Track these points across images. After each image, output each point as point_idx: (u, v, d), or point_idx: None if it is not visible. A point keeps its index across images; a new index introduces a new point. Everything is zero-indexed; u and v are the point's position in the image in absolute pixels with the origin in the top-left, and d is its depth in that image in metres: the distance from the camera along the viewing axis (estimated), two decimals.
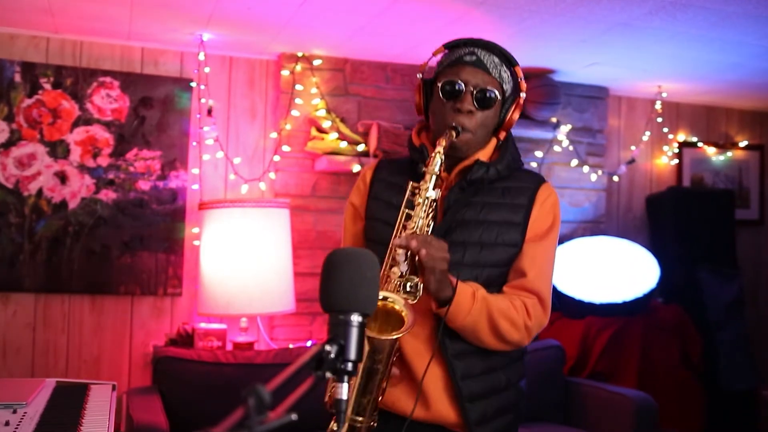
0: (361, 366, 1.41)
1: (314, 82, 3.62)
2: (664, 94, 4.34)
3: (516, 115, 1.65)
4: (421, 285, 1.47)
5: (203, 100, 3.51)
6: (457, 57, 1.61)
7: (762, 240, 4.82)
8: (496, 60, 1.61)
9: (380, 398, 1.48)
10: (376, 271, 1.07)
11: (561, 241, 3.95)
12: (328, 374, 0.94)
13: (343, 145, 3.52)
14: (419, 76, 1.67)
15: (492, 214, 1.60)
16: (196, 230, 3.48)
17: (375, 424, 1.49)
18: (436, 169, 1.53)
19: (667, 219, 4.25)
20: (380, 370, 1.43)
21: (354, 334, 0.99)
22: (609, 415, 3.32)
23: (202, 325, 3.33)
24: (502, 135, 1.66)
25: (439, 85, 1.61)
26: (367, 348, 1.39)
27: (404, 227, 1.53)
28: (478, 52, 1.60)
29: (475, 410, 1.56)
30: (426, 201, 1.52)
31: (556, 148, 4.11)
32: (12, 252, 3.26)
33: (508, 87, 1.63)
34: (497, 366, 1.62)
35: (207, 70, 3.52)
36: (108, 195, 3.39)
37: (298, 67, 3.59)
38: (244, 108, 3.64)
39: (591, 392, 3.45)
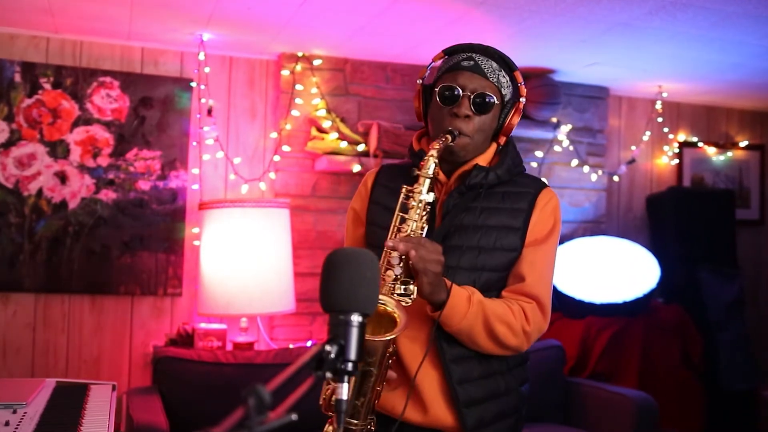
0: None
1: (314, 82, 3.62)
2: (665, 94, 4.34)
3: (516, 120, 1.64)
4: (415, 288, 1.46)
5: (203, 100, 3.51)
6: (455, 62, 1.62)
7: (762, 240, 4.82)
8: (495, 65, 1.61)
9: (375, 401, 1.47)
10: (376, 271, 1.07)
11: (561, 242, 3.96)
12: (329, 374, 0.94)
13: (344, 145, 3.52)
14: (419, 82, 1.68)
15: (491, 218, 1.60)
16: (196, 230, 3.48)
17: (373, 428, 1.49)
18: (430, 172, 1.52)
19: (668, 219, 4.25)
20: (374, 373, 1.43)
21: (354, 334, 0.99)
22: (609, 415, 3.32)
23: (202, 325, 3.33)
24: (502, 140, 1.66)
25: (437, 90, 1.61)
26: None
27: (399, 230, 1.53)
28: (476, 57, 1.61)
29: (471, 415, 1.56)
30: (420, 204, 1.51)
31: (557, 148, 4.11)
32: (12, 252, 3.26)
33: (507, 92, 1.63)
34: (496, 371, 1.61)
35: (207, 70, 3.52)
36: (108, 195, 3.39)
37: (298, 67, 3.59)
38: (244, 108, 3.64)
39: (591, 392, 3.45)
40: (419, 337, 1.58)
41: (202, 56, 3.46)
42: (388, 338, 1.40)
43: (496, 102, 1.60)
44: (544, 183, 1.69)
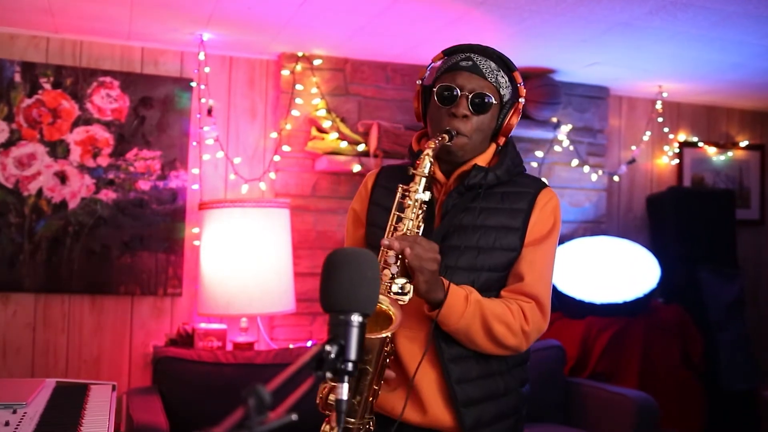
0: None
1: (314, 82, 3.61)
2: (665, 94, 4.34)
3: (515, 120, 1.65)
4: (412, 286, 1.46)
5: (203, 100, 3.51)
6: (454, 63, 1.62)
7: (762, 240, 4.81)
8: (493, 65, 1.61)
9: (372, 399, 1.47)
10: (376, 271, 1.07)
11: (561, 242, 3.96)
12: (329, 374, 0.94)
13: (344, 145, 3.52)
14: (418, 82, 1.68)
15: (490, 219, 1.60)
16: (196, 230, 3.48)
17: (372, 428, 1.49)
18: (426, 170, 1.52)
19: (668, 219, 4.25)
20: (370, 371, 1.42)
21: (354, 334, 0.99)
22: (609, 415, 3.32)
23: (202, 325, 3.33)
24: (501, 140, 1.66)
25: (435, 90, 1.61)
26: None
27: (395, 229, 1.53)
28: (474, 58, 1.61)
29: (470, 415, 1.55)
30: (416, 203, 1.51)
31: (557, 148, 4.11)
32: (12, 252, 3.26)
33: (506, 92, 1.63)
34: (495, 371, 1.61)
35: (207, 70, 3.52)
36: (108, 195, 3.39)
37: (299, 67, 3.59)
38: (244, 108, 3.64)
39: (591, 392, 3.45)
40: (418, 338, 1.58)
41: (202, 56, 3.46)
42: (384, 335, 1.40)
43: (495, 102, 1.60)
44: (543, 183, 1.69)
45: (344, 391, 0.96)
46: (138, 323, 3.45)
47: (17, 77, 3.28)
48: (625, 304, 3.73)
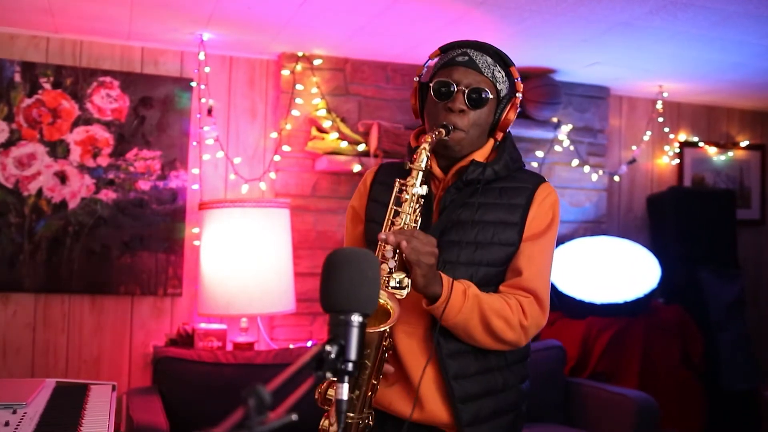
0: None
1: (314, 82, 3.61)
2: (665, 94, 4.34)
3: (512, 115, 1.65)
4: (409, 281, 1.46)
5: (203, 100, 3.51)
6: (450, 58, 1.63)
7: (763, 240, 4.81)
8: (489, 60, 1.61)
9: (371, 394, 1.47)
10: (376, 270, 1.07)
11: (562, 241, 3.98)
12: (329, 375, 0.93)
13: (344, 145, 3.52)
14: (416, 79, 1.69)
15: (488, 214, 1.60)
16: (196, 230, 3.48)
17: (371, 423, 1.49)
18: (422, 164, 1.53)
19: (668, 219, 4.25)
20: (368, 365, 1.42)
21: (354, 334, 0.99)
22: (610, 415, 3.32)
23: (202, 325, 3.33)
24: (499, 135, 1.66)
25: (432, 85, 1.62)
26: None
27: (392, 223, 1.53)
28: (470, 53, 1.61)
29: (467, 411, 1.55)
30: (413, 197, 1.52)
31: (557, 148, 4.11)
32: (12, 252, 3.26)
33: (502, 87, 1.63)
34: (494, 367, 1.61)
35: (207, 69, 3.52)
36: (108, 195, 3.38)
37: (299, 67, 3.59)
38: (244, 108, 3.64)
39: (592, 392, 3.45)
40: (416, 333, 1.58)
41: (202, 56, 3.45)
42: (382, 329, 1.40)
43: (491, 97, 1.60)
44: (542, 178, 1.68)
45: (344, 391, 0.95)
46: (138, 323, 3.44)
47: (17, 77, 3.28)
48: (626, 304, 3.73)
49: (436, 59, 1.69)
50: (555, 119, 3.98)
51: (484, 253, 1.58)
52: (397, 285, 1.45)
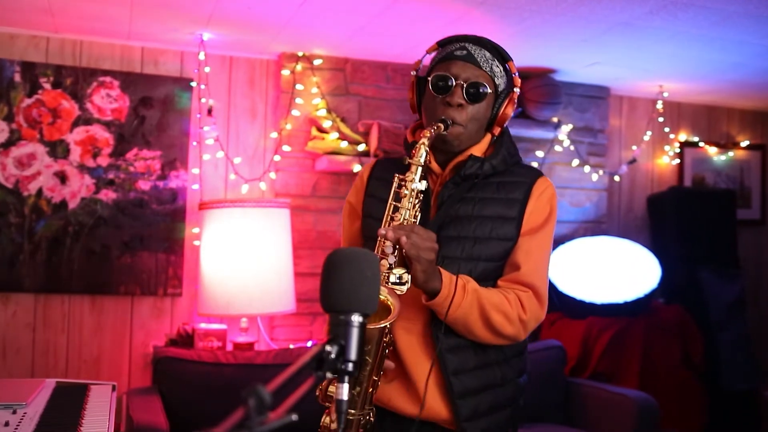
0: None
1: (315, 82, 3.61)
2: (666, 94, 4.33)
3: (510, 110, 1.64)
4: (409, 276, 1.46)
5: (203, 100, 3.51)
6: (448, 52, 1.62)
7: (764, 240, 4.81)
8: (488, 54, 1.61)
9: (372, 390, 1.47)
10: (376, 270, 1.07)
11: (562, 241, 3.98)
12: (329, 375, 0.93)
13: (344, 144, 3.52)
14: (413, 73, 1.68)
15: (486, 209, 1.60)
16: (196, 230, 3.48)
17: (372, 419, 1.49)
18: (421, 159, 1.52)
19: (669, 219, 4.25)
20: (369, 362, 1.42)
21: (354, 334, 0.99)
22: (610, 415, 3.32)
23: (203, 325, 3.33)
24: (497, 130, 1.65)
25: (430, 79, 1.61)
26: None
27: (392, 219, 1.53)
28: (468, 47, 1.61)
29: (465, 406, 1.55)
30: (412, 192, 1.51)
31: (557, 148, 4.11)
32: (12, 252, 3.25)
33: (500, 81, 1.63)
34: (492, 361, 1.61)
35: (207, 69, 3.51)
36: (108, 195, 3.38)
37: (299, 67, 3.59)
38: (244, 108, 3.64)
39: (592, 392, 3.45)
40: (414, 329, 1.58)
41: (202, 56, 3.45)
42: (383, 325, 1.40)
43: (490, 91, 1.60)
44: (539, 172, 1.68)
45: (344, 391, 0.95)
46: (138, 323, 3.44)
47: (17, 77, 3.28)
48: (626, 304, 3.73)
49: (433, 53, 1.68)
50: (555, 119, 3.98)
51: (482, 248, 1.58)
52: (397, 281, 1.45)
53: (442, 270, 1.50)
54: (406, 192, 1.51)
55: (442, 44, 1.67)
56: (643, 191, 4.50)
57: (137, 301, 3.44)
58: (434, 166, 1.64)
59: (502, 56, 1.64)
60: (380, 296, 1.41)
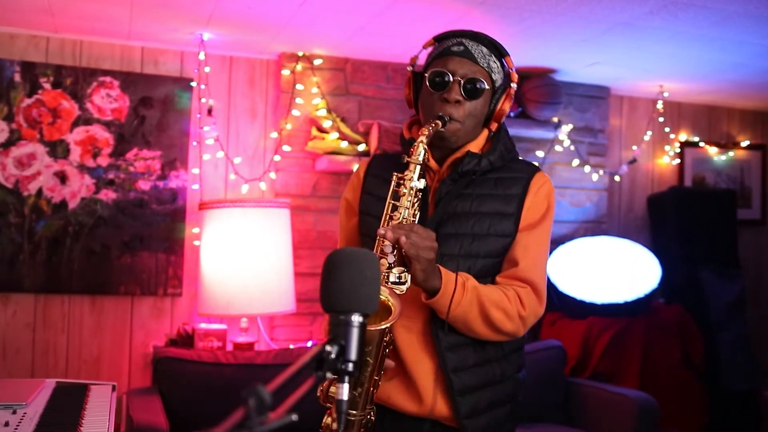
0: None
1: (315, 82, 3.61)
2: (666, 94, 4.33)
3: (507, 106, 1.64)
4: (409, 276, 1.46)
5: (203, 100, 3.51)
6: (445, 48, 1.62)
7: (764, 240, 4.81)
8: (485, 50, 1.61)
9: (373, 390, 1.47)
10: (376, 270, 1.07)
11: (562, 241, 3.98)
12: (329, 375, 0.93)
13: (344, 144, 3.52)
14: (409, 69, 1.67)
15: (484, 205, 1.60)
16: (196, 230, 3.48)
17: (373, 418, 1.49)
18: (420, 158, 1.52)
19: (669, 219, 4.24)
20: (370, 363, 1.42)
21: (355, 334, 0.99)
22: (610, 415, 3.32)
23: (203, 325, 3.32)
24: (494, 126, 1.65)
25: (427, 76, 1.61)
26: None
27: (390, 218, 1.52)
28: (465, 43, 1.60)
29: (466, 403, 1.56)
30: (411, 191, 1.51)
31: (558, 148, 4.10)
32: (12, 252, 3.25)
33: (497, 77, 1.63)
34: (492, 357, 1.61)
35: (207, 69, 3.51)
36: (108, 195, 3.38)
37: (299, 67, 3.59)
38: (244, 108, 3.63)
39: (592, 392, 3.45)
40: (414, 327, 1.58)
41: (202, 56, 3.45)
42: (384, 327, 1.40)
43: (487, 87, 1.60)
44: (536, 167, 1.68)
45: (344, 391, 0.95)
46: (138, 323, 3.44)
47: (17, 77, 3.28)
48: (626, 304, 3.73)
49: (430, 48, 1.68)
50: (555, 119, 3.98)
51: (480, 245, 1.58)
52: (397, 280, 1.45)
53: (441, 268, 1.50)
54: (405, 191, 1.51)
55: (439, 39, 1.66)
56: (644, 191, 4.49)
57: (137, 301, 3.44)
58: (431, 162, 1.64)
59: (499, 51, 1.63)
60: (381, 297, 1.41)
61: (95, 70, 3.38)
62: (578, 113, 4.14)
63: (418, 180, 1.51)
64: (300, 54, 3.59)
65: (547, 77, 3.82)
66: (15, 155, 3.28)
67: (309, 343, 3.51)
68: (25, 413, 1.72)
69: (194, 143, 3.52)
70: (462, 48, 1.59)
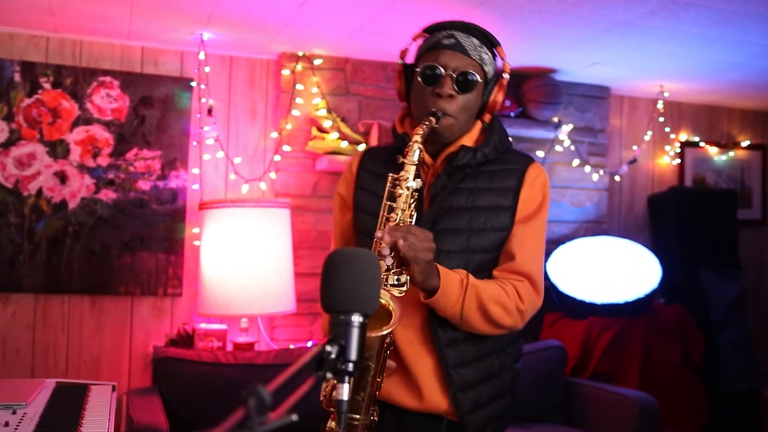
0: None
1: (315, 82, 3.61)
2: (666, 94, 4.33)
3: (500, 97, 1.63)
4: (407, 277, 1.45)
5: (203, 100, 3.50)
6: (436, 41, 1.60)
7: (764, 240, 4.81)
8: (476, 42, 1.59)
9: (376, 393, 1.47)
10: (376, 270, 1.06)
11: (562, 241, 3.98)
12: (329, 375, 0.93)
13: (344, 144, 3.52)
14: (400, 61, 1.66)
15: (480, 199, 1.58)
16: (196, 230, 3.47)
17: (376, 419, 1.49)
18: (415, 158, 1.50)
19: (669, 219, 4.24)
20: (372, 367, 1.42)
21: (355, 334, 0.98)
22: (610, 415, 3.31)
23: (203, 325, 3.32)
24: (487, 118, 1.64)
25: (419, 70, 1.59)
26: None
27: (387, 220, 1.51)
28: (456, 35, 1.59)
29: (467, 399, 1.56)
30: (407, 192, 1.49)
31: (558, 148, 4.10)
32: (12, 252, 3.25)
33: (489, 69, 1.61)
34: (490, 351, 1.61)
35: (207, 69, 3.51)
36: (108, 195, 3.38)
37: (299, 67, 3.59)
38: (244, 108, 3.63)
39: (592, 393, 3.45)
40: (412, 324, 1.58)
41: (202, 56, 3.45)
42: (385, 333, 1.39)
43: (479, 80, 1.58)
44: (531, 158, 1.67)
45: (344, 392, 0.95)
46: (138, 323, 3.44)
47: (17, 77, 3.28)
48: (626, 304, 3.73)
49: (420, 40, 1.66)
50: (555, 119, 3.98)
51: (477, 240, 1.57)
52: (396, 282, 1.45)
53: (439, 267, 1.49)
54: (401, 191, 1.49)
55: (429, 31, 1.64)
56: (644, 191, 4.49)
57: (137, 301, 3.44)
58: (425, 157, 1.62)
59: (490, 42, 1.62)
60: (381, 300, 1.41)
61: (95, 70, 3.38)
62: (578, 113, 4.14)
63: (413, 180, 1.50)
64: (300, 54, 3.59)
65: (547, 77, 3.82)
66: (15, 155, 3.28)
67: (309, 343, 3.51)
68: (25, 413, 1.72)
69: (194, 143, 3.52)
70: (453, 41, 1.58)
